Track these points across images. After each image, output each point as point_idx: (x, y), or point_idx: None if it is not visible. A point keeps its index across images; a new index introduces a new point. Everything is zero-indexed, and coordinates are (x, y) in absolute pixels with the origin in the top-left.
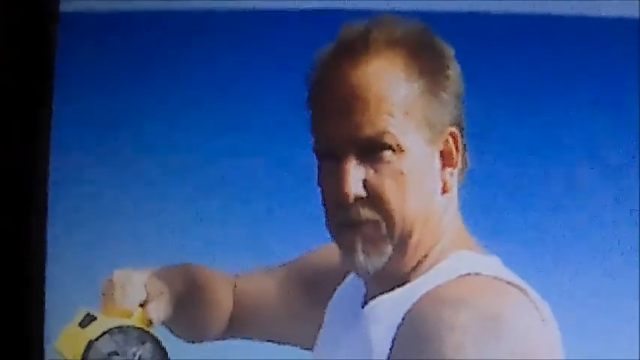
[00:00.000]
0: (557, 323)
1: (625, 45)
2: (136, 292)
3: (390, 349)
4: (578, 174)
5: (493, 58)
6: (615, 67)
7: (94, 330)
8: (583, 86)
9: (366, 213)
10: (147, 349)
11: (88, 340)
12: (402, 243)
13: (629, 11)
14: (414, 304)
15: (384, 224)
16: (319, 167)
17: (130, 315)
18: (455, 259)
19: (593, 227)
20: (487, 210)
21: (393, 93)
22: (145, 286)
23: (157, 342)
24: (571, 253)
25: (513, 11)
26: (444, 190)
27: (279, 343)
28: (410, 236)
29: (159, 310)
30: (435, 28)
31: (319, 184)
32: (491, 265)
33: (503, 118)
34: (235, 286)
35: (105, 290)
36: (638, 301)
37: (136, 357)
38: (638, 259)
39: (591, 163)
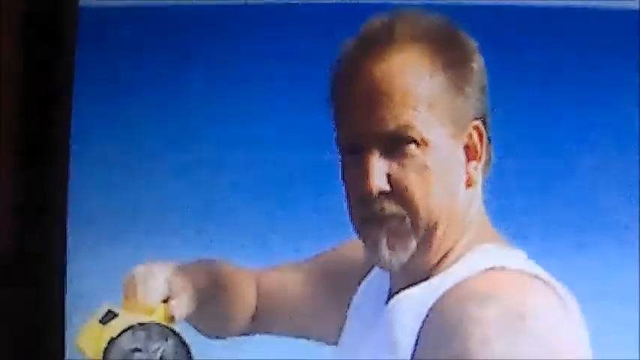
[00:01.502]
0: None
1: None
2: (159, 288)
3: (415, 344)
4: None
5: (521, 50)
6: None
7: (115, 327)
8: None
9: (391, 207)
10: (169, 346)
11: (109, 337)
12: (426, 237)
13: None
14: (438, 299)
15: (408, 219)
16: (342, 161)
17: (152, 311)
18: (480, 252)
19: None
20: (515, 203)
21: (417, 87)
22: (168, 281)
23: (179, 338)
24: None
25: (543, 4)
26: (469, 184)
27: (302, 338)
28: (435, 230)
29: (181, 306)
30: (460, 21)
31: (343, 179)
32: (516, 258)
33: (518, 112)
34: (258, 282)
35: (127, 286)
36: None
37: (159, 353)
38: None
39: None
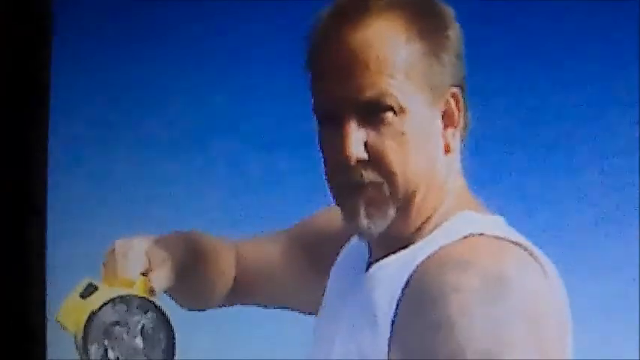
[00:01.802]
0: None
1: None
2: (138, 261)
3: (395, 312)
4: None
5: (496, 18)
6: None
7: (95, 300)
8: (585, 56)
9: (368, 175)
10: (149, 318)
11: (90, 311)
12: (405, 205)
13: None
14: (418, 266)
15: (386, 186)
16: (320, 130)
17: (132, 284)
18: (459, 219)
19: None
20: (493, 168)
21: (394, 54)
22: (147, 254)
23: (159, 310)
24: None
25: None
26: (447, 151)
27: (282, 308)
28: (413, 198)
29: (161, 278)
30: None
31: (320, 147)
32: (495, 224)
33: (512, 76)
34: (237, 253)
35: (107, 260)
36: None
37: (139, 326)
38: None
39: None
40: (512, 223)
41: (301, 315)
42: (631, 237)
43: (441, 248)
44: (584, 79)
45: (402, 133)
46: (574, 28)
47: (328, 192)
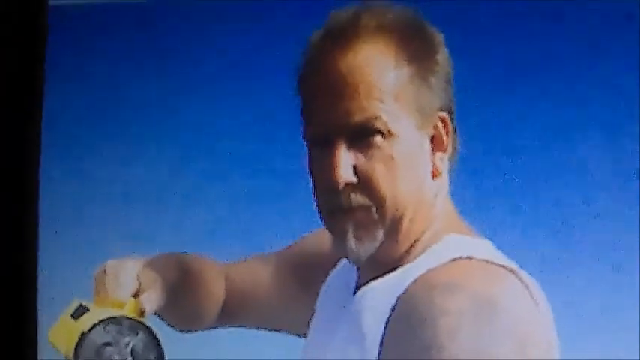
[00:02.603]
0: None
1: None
2: (129, 282)
3: (383, 335)
4: (577, 164)
5: (485, 43)
6: (615, 53)
7: (86, 321)
8: (580, 74)
9: (357, 198)
10: (140, 339)
11: (80, 332)
12: (393, 228)
13: None
14: (406, 289)
15: (375, 209)
16: (309, 153)
17: (122, 305)
18: (446, 242)
19: (593, 222)
20: (480, 197)
21: (383, 78)
22: (138, 275)
23: (150, 331)
24: (570, 251)
25: None
26: (435, 175)
27: (271, 330)
28: (401, 221)
29: (151, 299)
30: (425, 13)
31: (309, 170)
32: (482, 248)
33: (496, 104)
34: (227, 274)
35: (98, 281)
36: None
37: (130, 347)
38: (638, 256)
39: (590, 152)
40: (499, 246)
41: (290, 337)
42: (631, 233)
43: (428, 271)
44: (579, 101)
45: (391, 157)
46: (571, 52)
47: (317, 215)
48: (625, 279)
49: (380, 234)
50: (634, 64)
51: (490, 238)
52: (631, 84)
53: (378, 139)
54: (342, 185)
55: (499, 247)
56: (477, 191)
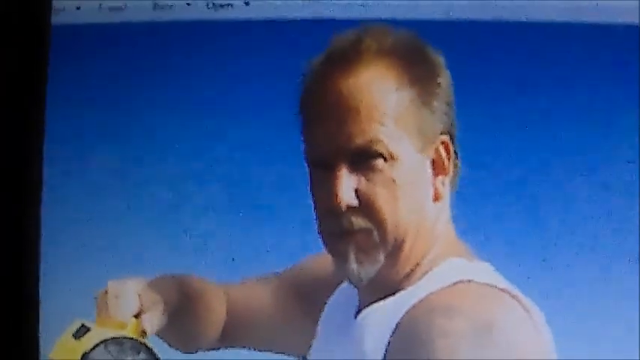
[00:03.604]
0: (556, 324)
1: (625, 52)
2: (130, 303)
3: (384, 357)
4: (575, 178)
5: (486, 66)
6: (614, 74)
7: (88, 341)
8: (580, 93)
9: (359, 222)
10: None
11: (82, 352)
12: (394, 251)
13: (630, 17)
14: (406, 312)
15: (376, 232)
16: (311, 176)
17: (124, 326)
18: (447, 266)
19: (591, 228)
20: (481, 217)
21: (385, 102)
22: (139, 296)
23: (151, 352)
24: (569, 255)
25: (505, 19)
26: (436, 198)
27: (272, 352)
28: (402, 244)
29: (153, 320)
30: (427, 37)
31: (311, 193)
32: (483, 271)
33: (497, 126)
34: (228, 296)
35: (99, 301)
36: (638, 302)
37: None
38: (638, 260)
39: (589, 165)
40: (499, 269)
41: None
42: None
43: (429, 295)
44: (579, 116)
45: (393, 180)
46: (568, 72)
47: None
48: (625, 280)
49: (381, 257)
50: (634, 82)
51: (492, 260)
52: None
53: (380, 162)
54: (343, 208)
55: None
56: (478, 214)
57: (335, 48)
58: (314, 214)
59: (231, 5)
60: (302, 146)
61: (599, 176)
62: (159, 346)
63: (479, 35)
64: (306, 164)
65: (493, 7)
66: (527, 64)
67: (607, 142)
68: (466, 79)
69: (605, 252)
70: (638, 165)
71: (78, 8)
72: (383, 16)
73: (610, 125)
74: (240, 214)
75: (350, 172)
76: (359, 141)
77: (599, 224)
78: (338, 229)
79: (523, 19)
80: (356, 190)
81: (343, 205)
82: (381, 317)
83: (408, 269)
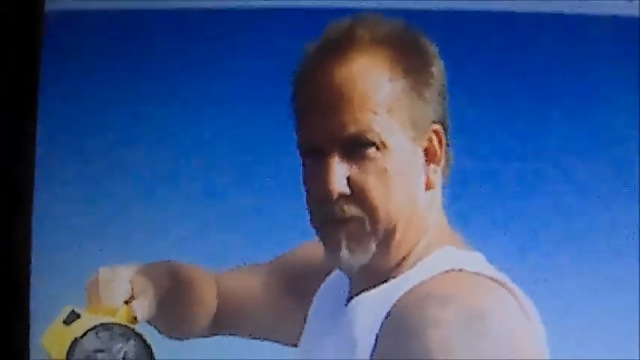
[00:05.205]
0: (553, 321)
1: (623, 45)
2: (121, 290)
3: (374, 346)
4: (574, 172)
5: (481, 55)
6: (612, 67)
7: (78, 327)
8: (578, 85)
9: (350, 210)
10: (132, 346)
11: (72, 338)
12: (386, 239)
13: (629, 10)
14: (397, 300)
15: (367, 221)
16: (303, 164)
17: (114, 312)
18: (439, 255)
19: (591, 226)
20: (475, 208)
21: (377, 91)
22: (130, 283)
23: (141, 339)
24: (569, 253)
25: (502, 9)
26: (428, 187)
27: (263, 339)
28: (394, 233)
29: (143, 307)
30: (420, 26)
31: (303, 181)
32: (474, 261)
33: (493, 116)
34: (219, 284)
35: (90, 287)
36: (637, 303)
37: (121, 354)
38: (638, 260)
39: (587, 160)
40: (491, 258)
41: (282, 347)
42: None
43: (420, 283)
44: (578, 118)
45: (384, 169)
46: (568, 65)
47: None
48: (624, 282)
49: (372, 245)
50: (634, 82)
51: (483, 249)
52: (631, 100)
53: (372, 150)
54: (335, 196)
55: (491, 257)
56: (470, 202)
57: (329, 37)
58: (305, 202)
59: None
60: (294, 135)
61: (596, 168)
62: (149, 333)
63: (473, 25)
64: (298, 152)
65: None
66: (524, 55)
67: (607, 137)
68: (460, 69)
69: (604, 246)
70: (638, 164)
71: None
72: (377, 6)
73: (609, 119)
74: (236, 205)
75: (342, 160)
76: (351, 129)
77: (597, 215)
78: (330, 216)
79: (519, 9)
80: (348, 179)
81: (335, 192)
82: (372, 305)
83: (399, 257)
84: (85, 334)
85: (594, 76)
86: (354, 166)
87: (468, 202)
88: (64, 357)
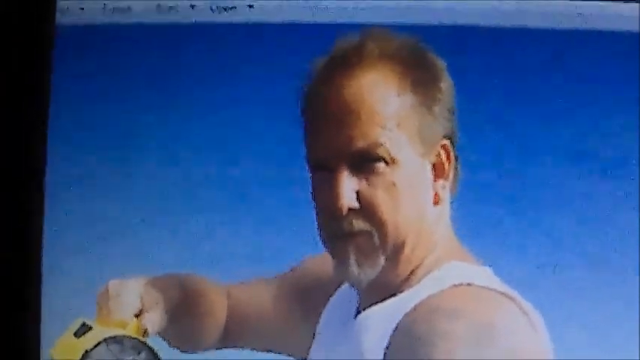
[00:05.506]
0: (556, 327)
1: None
2: (132, 302)
3: (383, 359)
4: (574, 182)
5: (489, 71)
6: (614, 81)
7: (89, 340)
8: (580, 98)
9: (359, 224)
10: (142, 359)
11: (83, 350)
12: (394, 254)
13: (630, 25)
14: (406, 314)
15: (376, 235)
16: (312, 178)
17: (125, 325)
18: (447, 269)
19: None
20: (482, 221)
21: (386, 106)
22: (141, 296)
23: (152, 352)
24: (569, 258)
25: (507, 25)
26: (436, 202)
27: (273, 352)
28: (402, 247)
29: (154, 320)
30: (429, 41)
31: (312, 195)
32: (482, 275)
33: (501, 131)
34: (229, 296)
35: (101, 300)
36: (638, 303)
37: None
38: (638, 262)
39: (588, 168)
40: (498, 272)
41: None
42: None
43: (429, 297)
44: (578, 120)
45: (393, 184)
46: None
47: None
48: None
49: (381, 259)
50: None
51: (491, 263)
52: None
53: (381, 165)
54: (344, 211)
55: (499, 272)
56: (478, 216)
57: (338, 51)
58: (315, 216)
59: (235, 8)
60: (304, 149)
61: (600, 179)
62: (160, 346)
63: (481, 41)
64: (307, 167)
65: (496, 13)
66: (529, 70)
67: (608, 145)
68: (468, 84)
69: (606, 253)
70: (638, 167)
71: (82, 9)
72: (386, 21)
73: (610, 128)
74: (243, 216)
75: (351, 174)
76: (360, 144)
77: (601, 227)
78: (339, 231)
79: (526, 25)
80: (357, 193)
81: (344, 207)
82: (381, 319)
83: (407, 272)
84: (95, 346)
85: (609, 95)
86: (363, 181)
87: (476, 217)
88: None
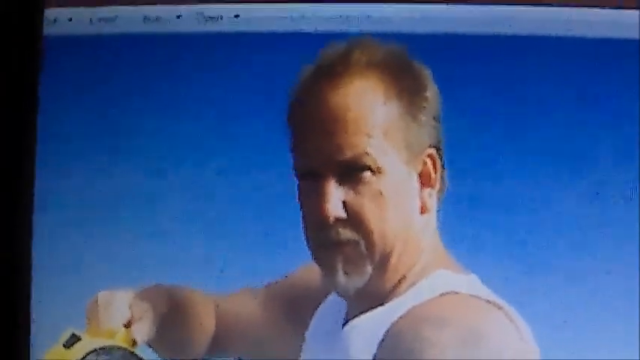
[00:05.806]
0: (546, 335)
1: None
2: (121, 313)
3: None
4: (566, 190)
5: (475, 79)
6: (609, 90)
7: (78, 350)
8: (574, 107)
9: (346, 233)
10: None
11: None
12: (381, 263)
13: (629, 33)
14: (393, 324)
15: (363, 244)
16: (299, 187)
17: (114, 335)
18: (434, 278)
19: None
20: (468, 229)
21: (373, 114)
22: (129, 306)
23: None
24: (559, 263)
25: (495, 33)
26: (423, 211)
27: None
28: (390, 256)
29: (143, 330)
30: (415, 50)
31: (299, 204)
32: (470, 283)
33: (487, 139)
34: (218, 307)
35: (90, 311)
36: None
37: None
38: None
39: (580, 176)
40: (486, 281)
41: None
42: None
43: (416, 306)
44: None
45: (380, 193)
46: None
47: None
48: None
49: (368, 269)
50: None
51: (478, 272)
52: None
53: (367, 174)
54: (331, 220)
55: (487, 280)
56: (465, 225)
57: (324, 60)
58: (302, 225)
59: (221, 17)
60: (290, 158)
61: (593, 185)
62: (149, 356)
63: (468, 49)
64: (294, 176)
65: (484, 21)
66: (517, 78)
67: (603, 151)
68: (454, 93)
69: (600, 258)
70: (638, 172)
71: (70, 19)
72: (372, 30)
73: (606, 137)
74: (232, 226)
75: (338, 184)
76: (347, 153)
77: (594, 231)
78: (326, 240)
79: (513, 32)
80: (343, 202)
81: (331, 217)
82: (369, 328)
83: (395, 281)
84: (85, 356)
85: (599, 98)
86: (349, 190)
87: (463, 225)
88: None
